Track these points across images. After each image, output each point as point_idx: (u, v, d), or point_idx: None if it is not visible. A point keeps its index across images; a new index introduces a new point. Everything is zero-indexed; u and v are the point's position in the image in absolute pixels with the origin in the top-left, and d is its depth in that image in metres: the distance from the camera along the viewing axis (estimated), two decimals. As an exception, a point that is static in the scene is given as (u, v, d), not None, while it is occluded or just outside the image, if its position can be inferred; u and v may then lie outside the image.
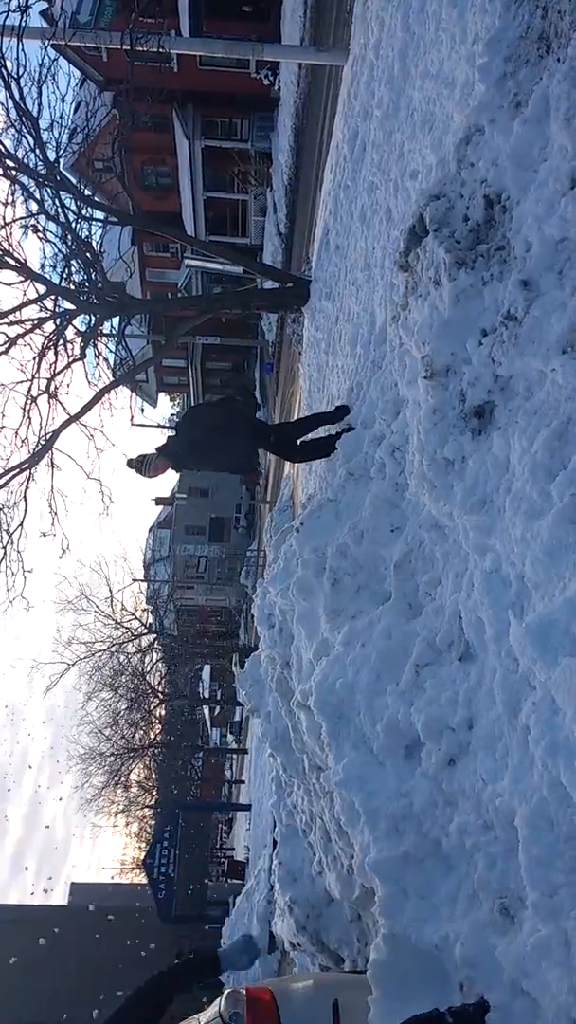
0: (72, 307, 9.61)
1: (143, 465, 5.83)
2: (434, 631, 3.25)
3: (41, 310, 9.75)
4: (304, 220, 15.52)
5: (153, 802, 30.42)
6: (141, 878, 19.60)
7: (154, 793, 30.58)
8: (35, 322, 9.67)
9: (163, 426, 35.21)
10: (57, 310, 9.70)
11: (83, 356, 10.02)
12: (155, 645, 25.86)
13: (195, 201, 24.43)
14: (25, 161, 9.29)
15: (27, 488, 9.86)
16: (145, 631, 25.27)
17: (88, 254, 9.65)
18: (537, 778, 2.39)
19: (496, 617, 2.77)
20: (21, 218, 9.74)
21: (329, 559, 4.18)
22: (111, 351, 11.74)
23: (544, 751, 2.35)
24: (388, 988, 2.71)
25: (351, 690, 3.52)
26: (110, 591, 24.77)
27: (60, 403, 9.94)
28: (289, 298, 9.87)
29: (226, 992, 2.72)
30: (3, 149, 9.15)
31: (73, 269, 9.90)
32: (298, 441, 6.23)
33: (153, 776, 30.41)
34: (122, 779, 26.86)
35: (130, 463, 5.89)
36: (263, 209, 22.94)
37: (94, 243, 10.08)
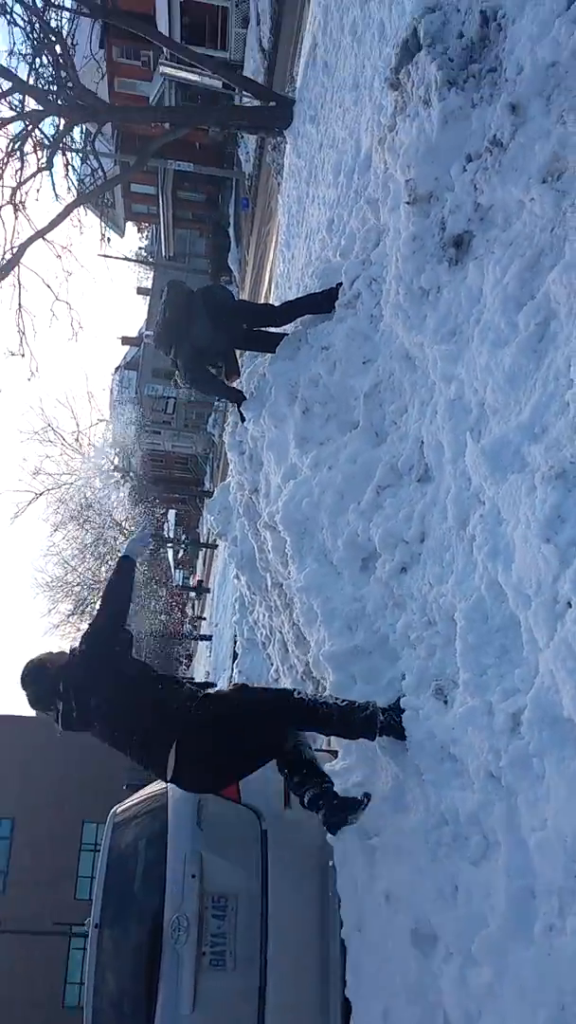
0: (39, 108, 8.95)
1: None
2: (396, 456, 3.47)
3: (8, 107, 9.09)
4: (290, 34, 14.13)
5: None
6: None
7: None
8: (-1, 121, 9.03)
9: (130, 259, 33.54)
10: (24, 110, 9.04)
11: (50, 166, 9.50)
12: (121, 481, 26.09)
13: (171, 3, 21.99)
14: None
15: (-7, 304, 9.65)
16: (112, 468, 25.42)
17: (58, 46, 8.87)
18: (478, 579, 2.70)
19: (455, 440, 2.98)
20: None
21: (301, 388, 4.32)
22: (82, 161, 11.12)
23: (486, 555, 2.64)
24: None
25: (315, 508, 3.78)
26: (77, 426, 24.61)
27: (26, 216, 9.54)
28: (271, 118, 9.28)
29: None
30: None
31: (40, 64, 9.14)
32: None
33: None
34: (88, 608, 27.98)
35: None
36: (245, 20, 20.66)
37: (64, 34, 9.27)
